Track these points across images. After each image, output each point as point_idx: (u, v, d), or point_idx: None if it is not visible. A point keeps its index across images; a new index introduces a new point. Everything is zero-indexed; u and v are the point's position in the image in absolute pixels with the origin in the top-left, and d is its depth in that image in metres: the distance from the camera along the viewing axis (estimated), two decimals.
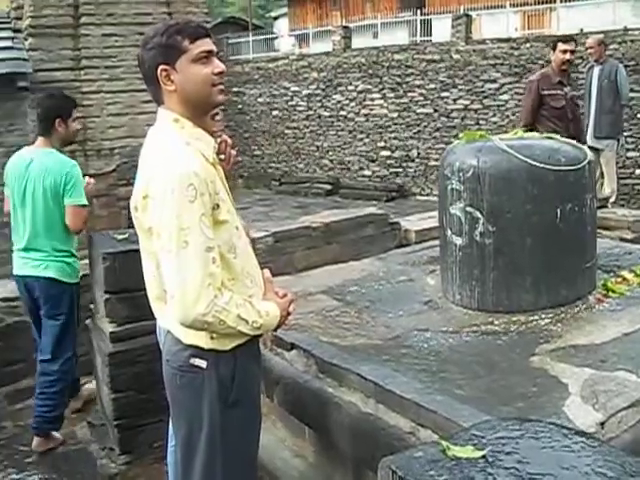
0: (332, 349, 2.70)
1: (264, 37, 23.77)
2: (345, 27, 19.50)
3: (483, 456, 1.38)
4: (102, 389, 3.60)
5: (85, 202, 3.83)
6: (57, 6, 10.82)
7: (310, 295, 3.45)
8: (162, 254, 1.90)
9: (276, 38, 24.99)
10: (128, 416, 3.36)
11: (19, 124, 11.22)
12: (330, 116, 19.25)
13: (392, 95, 17.34)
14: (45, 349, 3.92)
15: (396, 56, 17.22)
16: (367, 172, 18.57)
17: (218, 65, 2.00)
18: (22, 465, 3.68)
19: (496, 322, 2.86)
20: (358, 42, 19.65)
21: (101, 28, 11.15)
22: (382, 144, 17.85)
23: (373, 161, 18.30)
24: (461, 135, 3.16)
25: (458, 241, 3.00)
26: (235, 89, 21.97)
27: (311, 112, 19.92)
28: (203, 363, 2.00)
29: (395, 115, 17.39)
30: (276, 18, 31.67)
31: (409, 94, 17.02)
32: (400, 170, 17.56)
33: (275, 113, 21.05)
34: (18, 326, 4.58)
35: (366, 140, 18.33)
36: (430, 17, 20.63)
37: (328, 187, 19.60)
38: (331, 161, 19.72)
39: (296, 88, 20.20)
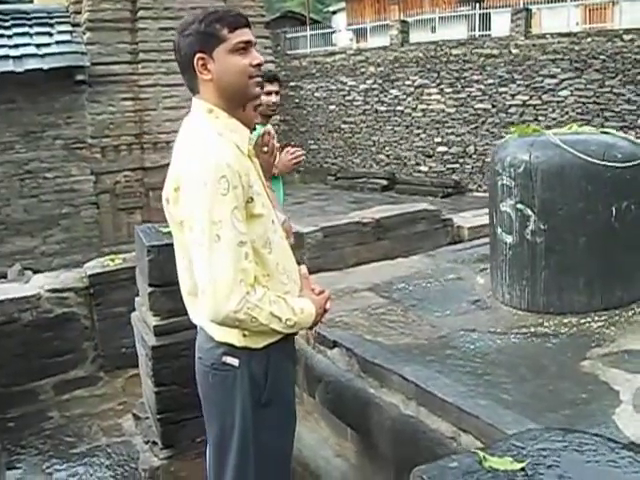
0: (375, 348, 2.64)
1: (321, 32, 23.75)
2: (403, 21, 19.35)
3: (522, 469, 1.30)
4: (146, 382, 3.60)
5: None
6: (115, 0, 10.99)
7: (356, 292, 3.39)
8: (194, 248, 1.86)
9: (333, 32, 24.91)
10: (171, 410, 3.36)
11: (77, 117, 11.46)
12: (387, 111, 19.13)
13: (450, 90, 17.13)
14: None
15: (454, 51, 16.99)
16: (423, 168, 18.40)
17: (256, 57, 1.94)
18: (67, 455, 3.73)
19: (546, 324, 2.74)
20: (416, 36, 19.46)
21: (158, 22, 11.29)
22: (439, 139, 17.65)
23: (430, 156, 18.11)
24: (513, 129, 3.04)
25: (508, 239, 2.89)
26: (292, 83, 22.03)
27: (368, 107, 19.84)
28: (235, 361, 1.96)
29: (452, 110, 17.17)
30: (334, 12, 31.57)
31: (467, 89, 16.78)
32: (457, 166, 17.34)
33: (332, 108, 21.04)
34: (67, 317, 4.66)
35: (423, 135, 18.15)
36: (489, 11, 20.27)
37: (384, 182, 19.51)
38: (387, 156, 19.60)
39: (353, 83, 20.14)
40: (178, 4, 11.40)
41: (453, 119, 17.23)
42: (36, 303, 4.65)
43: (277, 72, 4.47)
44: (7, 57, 10.69)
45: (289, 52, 22.66)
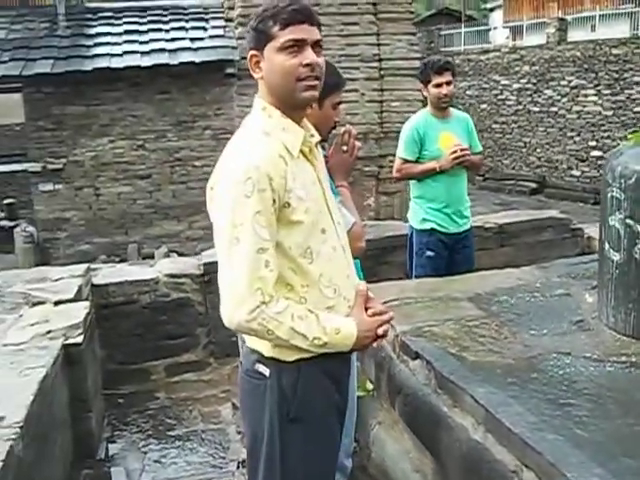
0: (455, 364, 2.48)
1: (477, 29, 23.18)
2: (561, 19, 18.50)
3: None
4: None
5: (402, 155, 4.31)
6: None
7: (453, 301, 3.22)
8: (217, 249, 1.80)
9: (489, 30, 24.22)
10: None
11: (226, 109, 11.84)
12: (540, 112, 18.36)
13: (608, 92, 16.16)
14: None
15: (614, 50, 16.00)
16: (576, 172, 17.51)
17: (308, 56, 1.79)
18: (164, 437, 3.84)
19: None
20: (574, 35, 18.52)
21: None
22: (593, 143, 16.70)
23: (583, 161, 17.19)
24: (630, 136, 2.75)
25: (615, 257, 2.62)
26: None
27: (520, 107, 19.15)
28: (266, 371, 1.87)
29: (610, 113, 16.18)
30: (492, 10, 30.64)
31: (626, 91, 15.75)
32: None
33: (483, 107, 20.52)
34: (182, 302, 4.80)
35: (577, 138, 17.27)
36: None
37: (533, 185, 18.81)
38: (538, 159, 18.85)
39: (506, 82, 19.52)
40: (327, 0, 11.47)
41: (610, 122, 16.23)
42: (154, 287, 4.83)
43: (446, 61, 4.37)
44: (163, 50, 11.24)
45: (442, 49, 22.31)
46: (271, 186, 1.73)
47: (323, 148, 2.46)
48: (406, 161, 4.30)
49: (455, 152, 4.18)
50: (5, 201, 16.31)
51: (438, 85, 4.17)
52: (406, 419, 2.69)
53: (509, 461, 1.93)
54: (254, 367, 1.90)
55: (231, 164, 1.77)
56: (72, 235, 12.34)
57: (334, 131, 2.63)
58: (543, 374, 2.37)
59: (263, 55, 1.83)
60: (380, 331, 1.93)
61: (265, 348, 1.87)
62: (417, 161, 4.28)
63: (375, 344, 1.96)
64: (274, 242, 1.77)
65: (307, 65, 1.80)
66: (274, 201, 1.75)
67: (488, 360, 2.52)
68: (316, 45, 1.83)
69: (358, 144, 2.55)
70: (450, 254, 4.32)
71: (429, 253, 4.27)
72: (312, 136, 1.94)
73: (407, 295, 3.29)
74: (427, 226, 4.29)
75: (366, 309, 1.96)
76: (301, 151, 1.88)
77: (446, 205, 4.28)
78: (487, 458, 2.02)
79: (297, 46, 1.79)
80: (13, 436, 2.41)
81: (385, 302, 3.22)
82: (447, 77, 4.19)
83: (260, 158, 1.74)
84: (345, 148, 2.52)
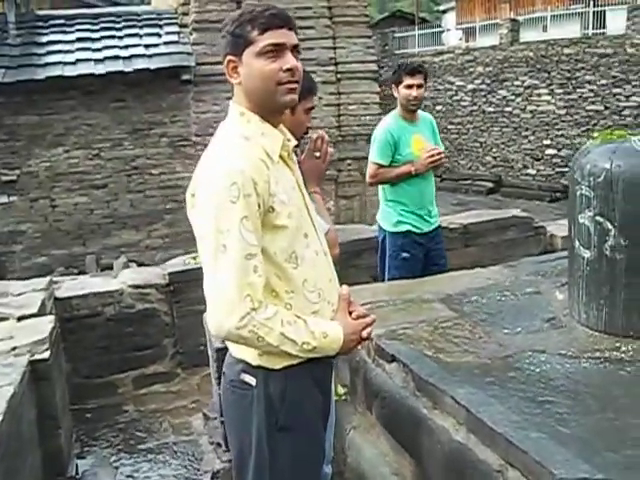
0: (433, 365, 2.48)
1: (430, 31, 23.41)
2: (513, 20, 18.81)
3: None
4: (213, 383, 3.59)
5: (377, 161, 4.28)
6: (220, 2, 11.16)
7: (425, 302, 3.23)
8: (202, 256, 1.77)
9: (442, 32, 24.49)
10: None
11: (182, 116, 11.73)
12: (494, 112, 18.62)
13: (560, 91, 16.48)
14: None
15: (566, 50, 16.33)
16: (531, 171, 17.79)
17: (288, 61, 1.78)
18: (135, 451, 3.77)
19: (623, 348, 2.50)
20: (526, 35, 18.86)
21: None
22: (548, 142, 17.01)
23: (538, 160, 17.48)
24: (596, 134, 2.80)
25: (586, 254, 2.66)
26: None
27: (475, 107, 19.40)
28: (252, 380, 1.84)
29: (563, 112, 16.50)
30: (445, 12, 31.01)
31: (578, 90, 16.07)
32: (566, 170, 16.62)
33: (439, 108, 20.71)
34: (148, 313, 4.73)
35: (531, 137, 17.55)
36: (604, 9, 19.29)
37: (490, 185, 19.05)
38: (494, 158, 19.11)
39: (461, 83, 19.75)
40: (282, 4, 11.29)
41: (563, 121, 16.54)
42: (119, 298, 4.75)
43: (419, 65, 4.47)
44: (117, 57, 11.08)
45: (397, 52, 22.48)
46: (256, 190, 1.71)
47: (295, 153, 2.45)
48: (381, 166, 4.28)
49: (432, 155, 4.21)
50: None
51: (409, 86, 4.20)
52: (384, 422, 2.68)
53: (493, 461, 1.93)
54: (239, 377, 1.87)
55: (213, 170, 1.74)
56: (28, 248, 12.08)
57: (306, 136, 2.62)
58: (520, 372, 2.39)
59: (241, 60, 1.80)
60: (364, 333, 1.93)
61: (251, 357, 1.84)
62: (390, 165, 4.28)
63: (359, 346, 1.96)
64: (260, 247, 1.75)
65: (288, 70, 1.79)
66: (259, 206, 1.72)
67: (465, 361, 2.53)
68: (294, 49, 1.83)
69: (331, 150, 2.55)
70: (426, 253, 4.37)
71: (404, 255, 4.29)
72: (289, 140, 1.93)
73: (379, 298, 3.29)
74: (402, 228, 4.31)
75: (350, 313, 1.95)
76: (280, 156, 1.86)
77: (420, 207, 4.32)
78: (470, 458, 2.02)
79: (276, 50, 1.78)
80: None
81: None
82: (419, 80, 4.22)
83: (244, 162, 1.72)
84: (317, 154, 2.51)
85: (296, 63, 1.81)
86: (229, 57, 1.82)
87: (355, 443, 3.09)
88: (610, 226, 2.54)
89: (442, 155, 4.29)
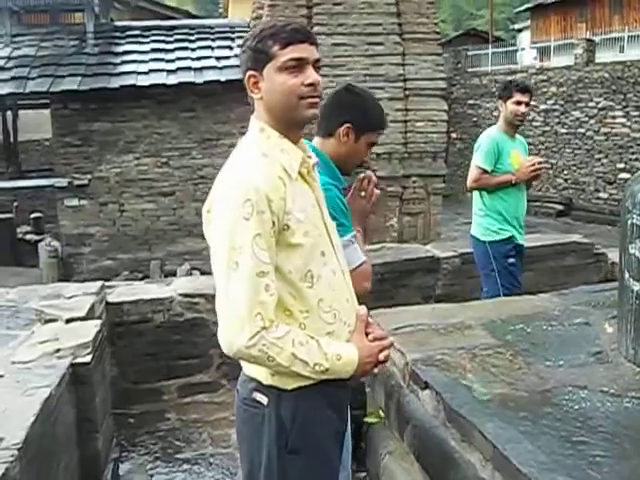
0: (466, 395, 2.39)
1: (504, 49, 23.06)
2: (589, 40, 18.32)
3: None
4: None
5: (481, 165, 4.42)
6: (292, 17, 11.25)
7: (468, 328, 3.13)
8: (215, 273, 1.74)
9: (516, 51, 24.11)
10: None
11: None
12: (567, 133, 18.17)
13: (636, 113, 15.95)
14: None
15: None
16: (603, 194, 17.26)
17: (310, 75, 1.76)
18: (172, 460, 3.78)
19: None
20: (602, 56, 18.36)
21: (332, 37, 11.42)
22: (622, 165, 16.48)
23: (610, 183, 16.96)
24: None
25: (636, 287, 2.52)
26: (471, 101, 21.62)
27: (547, 128, 18.98)
28: (264, 399, 1.80)
29: (638, 135, 15.99)
30: (520, 30, 30.56)
31: None
32: None
33: None
34: (196, 322, 4.74)
35: (604, 160, 17.04)
36: None
37: (560, 207, 18.59)
38: (565, 180, 18.64)
39: (533, 102, 19.21)
40: (352, 20, 11.46)
41: (638, 145, 15.99)
42: (169, 305, 4.78)
43: (529, 83, 4.92)
44: (189, 69, 11.33)
45: (469, 70, 22.22)
46: (270, 208, 1.68)
47: (346, 187, 2.41)
48: (484, 171, 4.43)
49: (534, 165, 4.43)
50: (32, 215, 16.48)
51: (518, 103, 4.40)
52: (415, 451, 2.59)
53: None
54: (251, 395, 1.84)
55: (228, 186, 1.72)
56: (95, 250, 12.42)
57: (361, 169, 2.58)
58: (557, 409, 2.27)
59: (262, 75, 1.78)
60: (381, 356, 1.87)
61: (263, 376, 1.81)
62: (491, 173, 4.46)
63: (376, 370, 1.90)
64: (274, 265, 1.71)
65: (310, 84, 1.77)
66: (273, 223, 1.69)
67: (500, 392, 2.43)
68: (316, 64, 1.80)
69: (377, 192, 2.49)
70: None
71: (511, 260, 4.46)
72: (309, 157, 1.89)
73: (420, 321, 3.21)
74: (506, 234, 4.47)
75: (366, 334, 1.89)
76: (299, 173, 1.82)
77: (514, 217, 4.51)
78: None
79: (298, 65, 1.76)
80: (10, 458, 2.35)
81: (398, 328, 3.15)
82: (527, 97, 4.46)
83: (259, 179, 1.69)
84: (363, 194, 2.45)
85: (318, 77, 1.79)
86: (250, 72, 1.80)
87: (389, 469, 3.00)
88: None
89: (542, 166, 4.56)
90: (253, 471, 1.86)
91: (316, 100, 1.80)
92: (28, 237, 15.23)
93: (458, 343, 2.94)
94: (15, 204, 17.72)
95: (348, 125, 2.39)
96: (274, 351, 1.68)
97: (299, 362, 1.71)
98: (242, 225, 1.66)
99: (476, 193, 4.62)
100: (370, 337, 1.88)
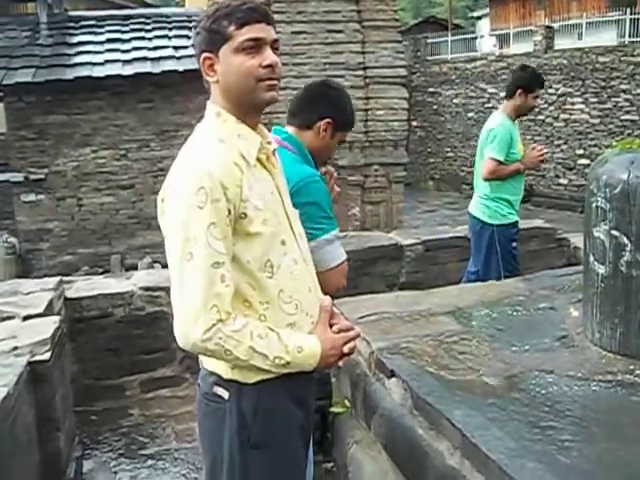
0: (433, 383, 2.36)
1: (463, 37, 23.14)
2: (548, 27, 18.47)
3: None
4: None
5: (498, 157, 4.46)
6: None
7: (433, 316, 3.10)
8: (169, 264, 1.67)
9: (475, 38, 24.21)
10: None
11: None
12: (527, 119, 18.26)
13: (594, 100, 16.14)
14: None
15: (601, 58, 15.99)
16: (563, 180, 17.47)
17: (268, 56, 1.69)
18: (136, 456, 3.71)
19: (637, 372, 2.35)
20: (561, 43, 18.51)
21: (291, 26, 11.31)
22: (581, 152, 16.68)
23: (570, 169, 17.16)
24: (614, 143, 2.65)
25: (600, 270, 2.51)
26: (431, 89, 21.68)
27: None
28: (225, 393, 1.75)
29: (597, 121, 16.16)
30: (479, 18, 30.70)
31: (613, 99, 15.73)
32: None
33: (470, 115, 20.50)
34: (158, 315, 4.65)
35: (564, 147, 17.23)
36: None
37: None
38: None
39: (493, 90, 19.48)
40: (311, 8, 11.37)
41: (597, 130, 16.19)
42: (129, 300, 4.68)
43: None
44: (146, 59, 11.12)
45: (429, 58, 22.27)
46: (226, 196, 1.61)
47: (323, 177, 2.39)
48: (500, 163, 4.51)
49: (542, 154, 4.65)
50: None
51: (536, 97, 4.60)
52: (382, 440, 2.56)
53: None
54: (212, 390, 1.78)
55: (182, 174, 1.65)
56: (54, 246, 12.17)
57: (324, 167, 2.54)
58: (524, 394, 2.25)
59: (218, 57, 1.71)
60: (346, 349, 1.81)
61: (223, 370, 1.75)
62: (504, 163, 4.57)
63: (340, 363, 1.84)
64: (230, 255, 1.65)
65: (268, 66, 1.70)
66: (229, 212, 1.62)
67: (467, 379, 2.41)
68: (274, 44, 1.74)
69: (337, 188, 2.46)
70: None
71: (514, 244, 4.67)
72: (269, 143, 1.82)
73: (385, 309, 3.17)
74: (513, 219, 4.66)
75: (331, 325, 1.84)
76: (258, 159, 1.76)
77: (517, 202, 4.70)
78: None
79: (255, 46, 1.69)
80: None
81: (362, 317, 3.11)
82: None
83: (213, 166, 1.62)
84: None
85: (276, 59, 1.73)
86: (205, 54, 1.72)
87: (356, 459, 2.97)
88: (626, 241, 2.39)
89: (545, 152, 4.78)
90: (215, 467, 1.81)
91: (274, 82, 1.73)
92: None
93: (424, 330, 2.91)
94: None
95: (328, 120, 2.40)
96: (231, 344, 1.62)
97: (258, 355, 1.65)
98: (196, 214, 1.59)
99: (479, 179, 4.74)
100: (335, 328, 1.82)
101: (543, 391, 2.26)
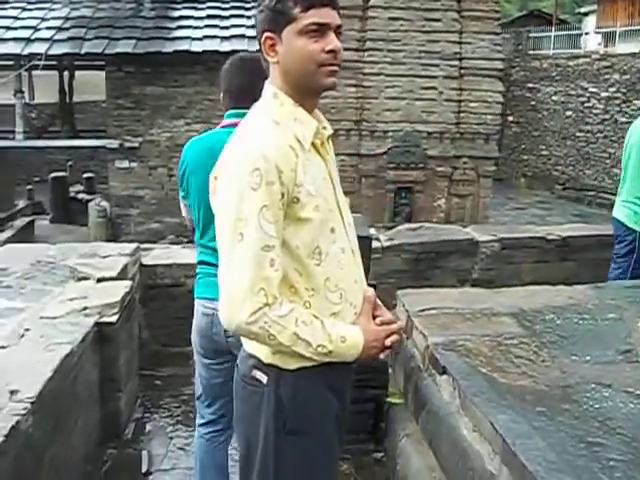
0: (483, 384, 2.31)
1: (567, 33, 22.36)
2: None
3: None
4: None
5: None
6: None
7: (495, 315, 3.03)
8: (219, 243, 1.67)
9: (580, 35, 23.37)
10: None
11: None
12: (628, 122, 17.48)
13: None
14: None
15: None
16: None
17: (332, 42, 1.65)
18: (192, 424, 3.71)
19: None
20: None
21: (389, 11, 11.24)
22: None
23: None
24: None
25: None
26: (530, 85, 21.11)
27: (607, 116, 18.42)
28: (264, 377, 1.74)
29: None
30: (586, 14, 29.52)
31: None
32: None
33: (569, 113, 19.86)
34: None
35: None
36: None
37: (615, 198, 18.05)
38: None
39: (594, 89, 18.80)
40: None
41: None
42: None
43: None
44: (243, 37, 11.33)
45: (531, 52, 21.64)
46: (280, 179, 1.60)
47: None
48: None
49: None
50: (85, 175, 16.78)
51: None
52: (427, 436, 2.54)
53: None
54: (251, 373, 1.77)
55: (237, 154, 1.65)
56: (143, 213, 12.57)
57: None
58: (576, 406, 2.18)
59: (280, 38, 1.68)
60: (388, 342, 1.78)
61: (264, 354, 1.74)
62: None
63: (382, 355, 1.81)
64: (280, 240, 1.64)
65: (330, 51, 1.67)
66: (282, 195, 1.61)
67: (519, 384, 2.34)
68: (337, 30, 1.70)
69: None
70: None
71: None
72: (324, 128, 1.80)
73: (447, 305, 3.13)
74: None
75: (374, 317, 1.82)
76: (312, 144, 1.74)
77: None
78: None
79: (319, 30, 1.66)
80: (22, 411, 2.37)
81: (423, 309, 3.08)
82: None
83: (269, 148, 1.61)
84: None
85: (339, 45, 1.68)
86: (267, 34, 1.70)
87: (405, 452, 2.95)
88: None
89: None
90: (250, 451, 1.80)
91: (335, 68, 1.70)
92: (80, 196, 15.52)
93: (483, 330, 2.85)
94: (69, 163, 18.08)
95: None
96: (276, 329, 1.61)
97: (301, 342, 1.64)
98: (249, 195, 1.58)
99: (631, 182, 4.47)
100: (377, 320, 1.80)
101: (597, 405, 2.18)
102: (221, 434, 2.78)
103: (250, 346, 1.77)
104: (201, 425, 2.82)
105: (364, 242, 3.08)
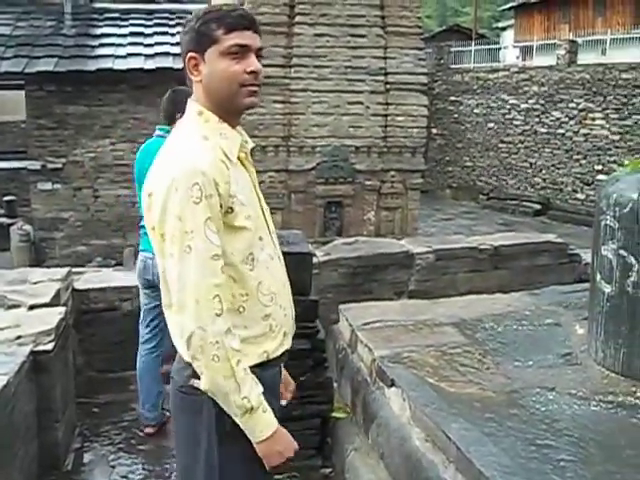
0: (432, 394, 2.34)
1: (487, 47, 23.05)
2: (572, 41, 18.36)
3: None
4: None
5: None
6: (274, 4, 11.15)
7: (437, 326, 3.08)
8: (166, 258, 1.69)
9: (499, 49, 24.12)
10: None
11: None
12: (547, 133, 18.23)
13: (615, 116, 16.01)
14: None
15: (624, 75, 15.88)
16: (580, 195, 17.36)
17: (252, 63, 1.74)
18: (134, 451, 3.70)
19: (639, 394, 2.32)
20: (584, 57, 18.38)
21: (314, 28, 11.32)
22: (599, 167, 16.57)
23: (588, 184, 17.05)
24: (626, 162, 2.62)
25: (607, 289, 2.48)
26: (452, 98, 21.62)
27: (527, 127, 19.04)
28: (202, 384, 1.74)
29: (617, 138, 16.04)
30: (504, 29, 30.58)
31: (634, 116, 15.62)
32: None
33: (490, 125, 20.43)
34: None
35: (582, 162, 17.13)
36: None
37: (537, 207, 18.70)
38: (543, 180, 18.73)
39: (514, 101, 19.41)
40: (335, 11, 11.37)
41: (617, 147, 16.07)
42: (136, 293, 4.69)
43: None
44: (168, 54, 11.20)
45: (452, 66, 22.21)
46: (217, 191, 1.66)
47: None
48: None
49: None
50: (5, 198, 16.23)
51: None
52: (379, 449, 2.54)
53: None
54: (189, 382, 1.77)
55: (173, 169, 1.68)
56: (68, 236, 12.23)
57: None
58: (523, 410, 2.23)
59: (203, 58, 1.75)
60: (287, 455, 1.78)
61: None
62: None
63: (275, 462, 1.78)
64: (227, 248, 1.70)
65: (251, 72, 1.74)
66: (220, 206, 1.68)
67: (467, 392, 2.39)
68: (258, 52, 1.78)
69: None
70: None
71: None
72: (246, 142, 1.87)
73: (389, 317, 3.16)
74: None
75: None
76: (238, 157, 1.80)
77: None
78: None
79: (241, 52, 1.73)
80: None
81: (366, 323, 3.10)
82: None
83: (204, 163, 1.66)
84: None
85: (260, 66, 1.77)
86: (191, 54, 1.76)
87: (354, 466, 2.95)
88: (634, 261, 2.37)
89: None
90: (193, 460, 1.79)
91: (256, 89, 1.77)
92: (0, 220, 14.98)
93: (427, 340, 2.89)
94: None
95: None
96: (222, 354, 1.63)
97: (234, 383, 1.65)
98: (192, 209, 1.63)
99: None
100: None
101: (543, 408, 2.24)
102: (154, 351, 3.84)
103: (188, 355, 1.76)
104: (142, 344, 3.84)
105: (306, 258, 3.08)
